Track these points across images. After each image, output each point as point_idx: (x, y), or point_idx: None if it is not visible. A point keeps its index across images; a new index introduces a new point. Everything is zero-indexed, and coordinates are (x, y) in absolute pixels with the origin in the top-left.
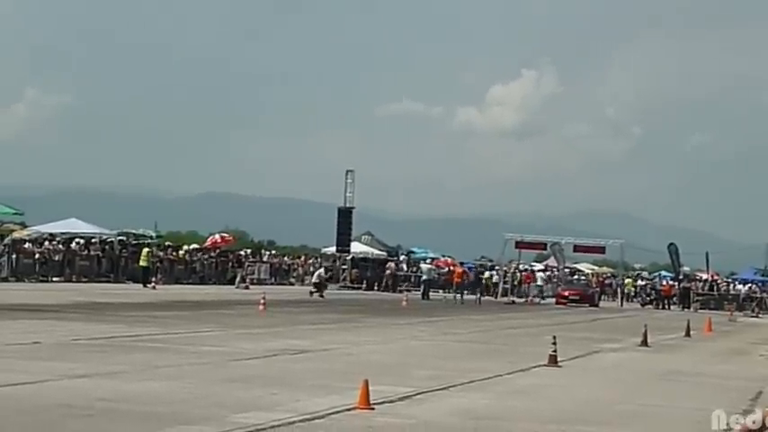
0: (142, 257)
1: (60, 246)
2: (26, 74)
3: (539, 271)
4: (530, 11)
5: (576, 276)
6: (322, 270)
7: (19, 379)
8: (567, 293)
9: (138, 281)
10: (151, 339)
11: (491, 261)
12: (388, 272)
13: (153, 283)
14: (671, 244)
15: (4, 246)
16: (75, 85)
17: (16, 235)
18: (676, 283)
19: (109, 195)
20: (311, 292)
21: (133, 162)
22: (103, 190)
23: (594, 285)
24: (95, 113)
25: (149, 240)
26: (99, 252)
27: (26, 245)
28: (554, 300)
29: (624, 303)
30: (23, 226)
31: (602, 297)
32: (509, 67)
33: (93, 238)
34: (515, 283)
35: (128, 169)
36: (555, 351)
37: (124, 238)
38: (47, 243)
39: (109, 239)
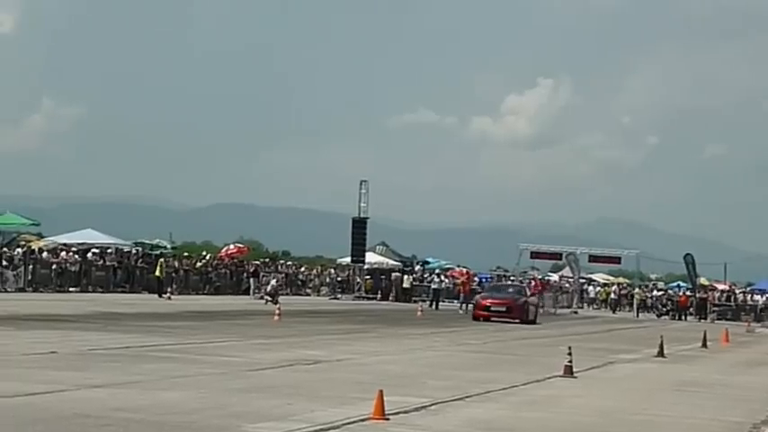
0: (157, 268)
1: (76, 256)
2: (43, 84)
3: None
4: (547, 20)
5: (510, 280)
6: (274, 281)
7: (36, 389)
8: (488, 303)
9: (153, 291)
10: (167, 349)
11: (506, 271)
12: (405, 284)
13: (168, 294)
14: (687, 254)
15: (21, 256)
16: (90, 97)
17: (33, 245)
18: (693, 294)
19: (124, 206)
20: (266, 301)
21: (148, 173)
22: (119, 201)
23: (529, 294)
24: (110, 125)
25: (164, 251)
26: (115, 262)
27: (43, 255)
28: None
29: (639, 314)
30: (40, 236)
31: (618, 308)
32: (525, 77)
33: (108, 248)
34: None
35: (143, 180)
36: (570, 361)
37: (139, 248)
38: (63, 253)
39: (124, 250)
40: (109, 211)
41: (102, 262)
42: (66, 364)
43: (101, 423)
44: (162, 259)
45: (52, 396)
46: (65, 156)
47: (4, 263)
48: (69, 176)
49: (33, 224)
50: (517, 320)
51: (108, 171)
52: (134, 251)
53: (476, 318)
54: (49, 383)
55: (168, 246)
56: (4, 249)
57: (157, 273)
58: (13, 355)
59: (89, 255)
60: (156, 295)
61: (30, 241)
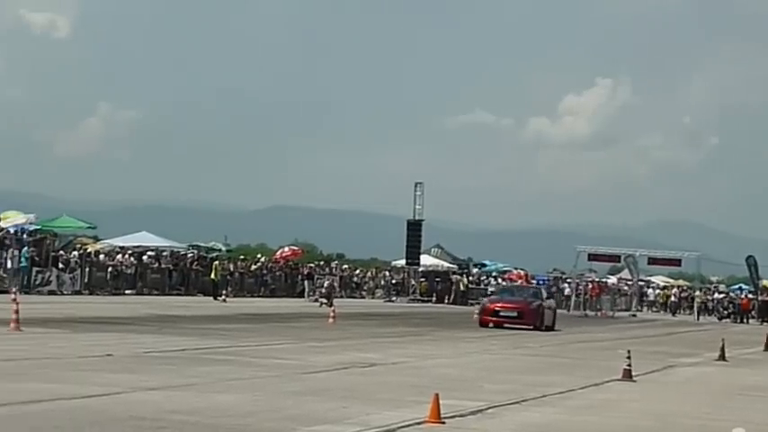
0: (213, 270)
1: (132, 259)
2: (99, 88)
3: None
4: (606, 19)
5: (518, 281)
6: (327, 281)
7: (92, 391)
8: (497, 307)
9: (208, 294)
10: (222, 352)
11: (563, 273)
12: (461, 287)
13: (223, 296)
14: (749, 256)
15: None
16: (146, 100)
17: (89, 248)
18: (755, 297)
19: (179, 209)
20: (320, 304)
21: (203, 176)
22: (174, 204)
23: (546, 296)
24: (166, 128)
25: (219, 253)
26: (170, 265)
27: (99, 258)
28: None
29: (700, 317)
30: (96, 239)
31: (678, 311)
32: (583, 77)
33: (164, 251)
34: (588, 296)
35: (198, 183)
36: (629, 365)
37: (195, 251)
38: (119, 256)
39: (180, 253)
40: (164, 213)
41: (157, 265)
42: (122, 366)
43: (156, 425)
44: (217, 262)
45: (108, 398)
46: (121, 159)
47: (61, 266)
48: (125, 179)
49: (89, 227)
50: (530, 327)
51: (164, 174)
52: (189, 254)
53: (483, 324)
54: (104, 386)
55: (223, 248)
56: (61, 252)
57: (212, 275)
58: (69, 357)
59: (145, 257)
60: (211, 298)
61: (86, 244)
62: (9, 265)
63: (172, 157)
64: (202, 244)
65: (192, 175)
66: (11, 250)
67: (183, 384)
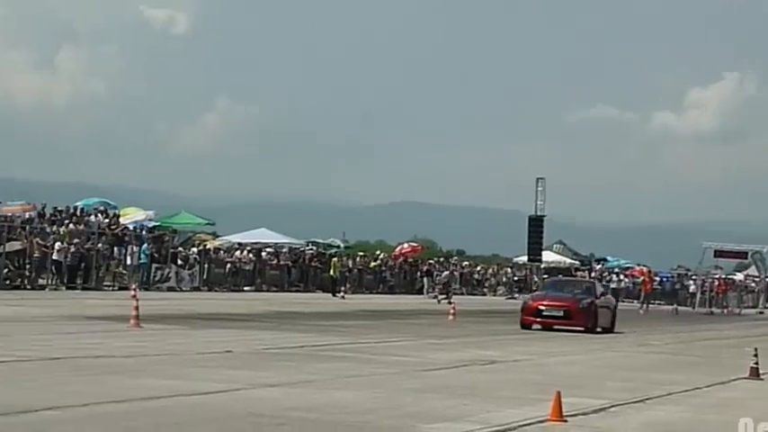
0: (331, 267)
1: (251, 255)
2: (217, 83)
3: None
4: (733, 11)
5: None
6: (446, 272)
7: (210, 388)
8: (541, 305)
9: (327, 290)
10: (341, 349)
11: (688, 270)
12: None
13: (342, 293)
14: None
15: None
16: (264, 96)
17: (208, 245)
18: None
19: (298, 205)
20: (438, 300)
21: (322, 172)
22: (292, 200)
23: (600, 293)
24: (284, 123)
25: (338, 250)
26: (289, 262)
27: (218, 254)
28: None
29: None
30: (215, 236)
31: None
32: (709, 70)
33: (282, 247)
34: (714, 293)
35: (317, 179)
36: (756, 363)
37: (313, 247)
38: (237, 253)
39: (299, 249)
40: (283, 209)
41: (276, 261)
42: (241, 362)
43: (275, 422)
44: (335, 258)
45: (227, 395)
46: (239, 155)
47: (180, 262)
48: (244, 176)
49: (208, 224)
50: (580, 328)
51: (282, 170)
52: (308, 250)
53: (525, 325)
54: (223, 382)
55: (341, 245)
56: (180, 249)
57: (331, 272)
58: (188, 354)
59: (263, 254)
60: (329, 294)
61: (205, 241)
62: (129, 261)
63: (290, 153)
64: (321, 240)
65: (310, 172)
66: (130, 247)
67: (302, 381)
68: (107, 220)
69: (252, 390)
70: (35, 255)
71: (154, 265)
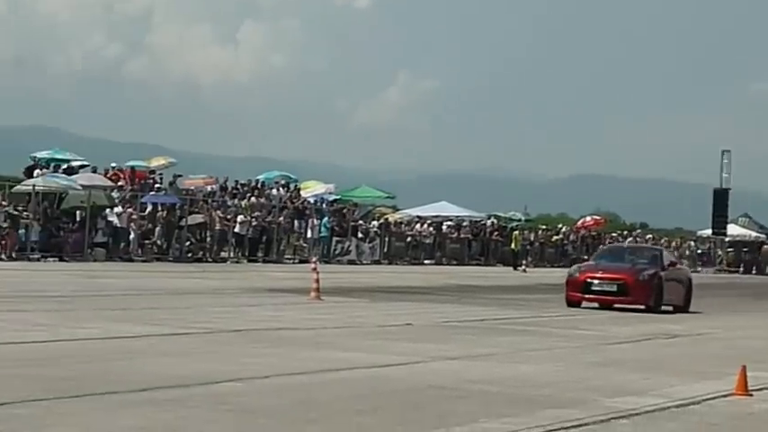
0: (512, 240)
1: (431, 229)
2: (398, 58)
3: None
4: None
5: (630, 241)
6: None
7: (390, 360)
8: (589, 277)
9: (508, 264)
10: (522, 322)
11: None
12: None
13: (523, 266)
14: None
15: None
16: (445, 69)
17: (389, 218)
18: None
19: (478, 179)
20: None
21: (503, 145)
22: (473, 173)
23: (668, 263)
24: (464, 97)
25: (518, 223)
26: (469, 235)
27: (399, 228)
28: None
29: None
30: (395, 209)
31: None
32: None
33: (463, 221)
34: None
35: (497, 153)
36: None
37: (494, 220)
38: (418, 226)
39: (479, 222)
40: (463, 183)
41: (456, 234)
42: (421, 335)
43: (455, 395)
44: (517, 232)
45: (407, 368)
46: (419, 128)
47: (360, 235)
48: (424, 149)
49: (388, 197)
50: (640, 305)
51: (462, 143)
52: (489, 223)
53: (571, 302)
54: (403, 355)
55: (523, 218)
56: (360, 222)
57: (512, 245)
58: (369, 326)
59: (444, 227)
60: (510, 268)
61: (385, 214)
62: (309, 234)
63: (470, 127)
64: (502, 214)
65: (491, 145)
66: (311, 220)
67: (483, 354)
68: (288, 194)
69: (432, 362)
70: (216, 228)
71: (334, 239)
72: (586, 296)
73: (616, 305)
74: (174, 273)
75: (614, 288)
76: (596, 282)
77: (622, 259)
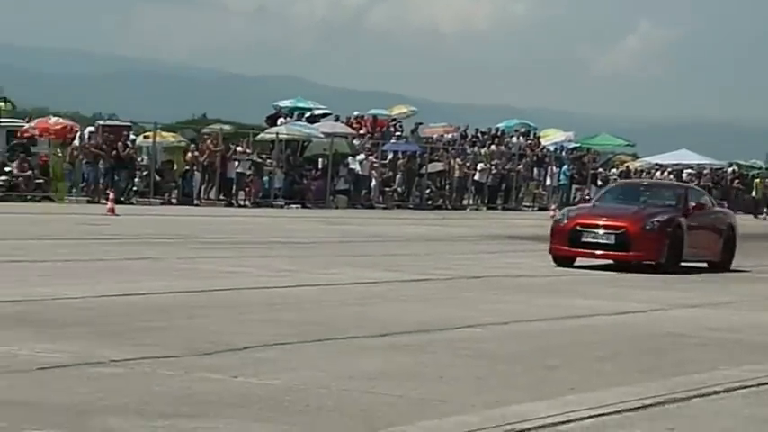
0: (754, 188)
1: (671, 177)
2: (640, 6)
3: None
4: None
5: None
6: None
7: (630, 307)
8: (580, 224)
9: (749, 211)
10: (760, 270)
11: None
12: None
13: (764, 214)
14: None
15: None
16: (686, 19)
17: (629, 166)
18: None
19: (718, 126)
20: None
21: (744, 93)
22: (713, 121)
23: (696, 204)
24: (705, 46)
25: (759, 171)
26: (710, 183)
27: (640, 175)
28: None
29: None
30: (635, 157)
31: None
32: None
33: (704, 168)
34: None
35: (738, 100)
36: None
37: (735, 168)
38: (657, 174)
39: (720, 170)
40: (703, 130)
41: (697, 182)
42: (661, 283)
43: (694, 342)
44: (758, 179)
45: (646, 315)
46: (659, 77)
47: (600, 183)
48: (663, 97)
49: (628, 145)
50: (651, 260)
51: (702, 91)
52: (729, 171)
53: (557, 258)
54: (643, 302)
55: (764, 166)
56: (600, 170)
57: (753, 193)
58: (608, 274)
59: (684, 175)
60: (750, 216)
61: (625, 162)
62: (548, 182)
63: (711, 75)
64: (743, 162)
65: (732, 93)
66: (550, 168)
67: (723, 302)
68: (528, 142)
69: (671, 310)
70: (456, 175)
71: (573, 186)
72: (573, 250)
73: (611, 258)
74: (413, 220)
75: (611, 240)
76: (586, 230)
77: (634, 200)
